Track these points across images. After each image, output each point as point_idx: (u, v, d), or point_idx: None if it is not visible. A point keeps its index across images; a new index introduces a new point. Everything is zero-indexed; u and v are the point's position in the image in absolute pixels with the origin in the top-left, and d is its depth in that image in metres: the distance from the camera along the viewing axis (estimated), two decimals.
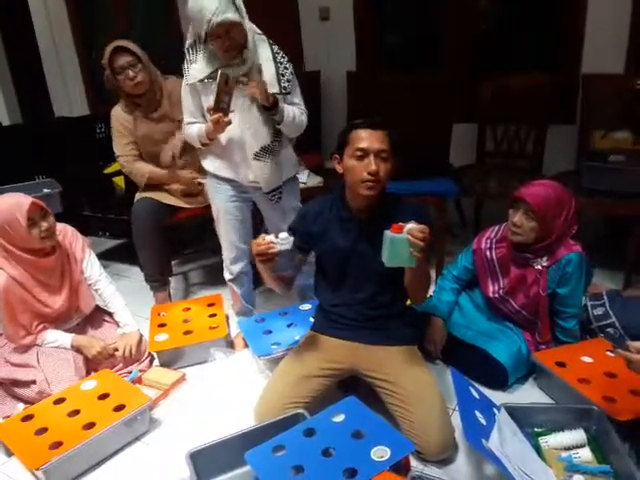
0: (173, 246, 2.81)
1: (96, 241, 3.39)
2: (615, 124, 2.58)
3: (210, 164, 2.02)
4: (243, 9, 1.76)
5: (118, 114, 2.45)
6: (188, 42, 1.86)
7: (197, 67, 1.85)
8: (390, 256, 1.41)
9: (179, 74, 1.97)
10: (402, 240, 1.37)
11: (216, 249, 2.25)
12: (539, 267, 1.82)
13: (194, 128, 1.93)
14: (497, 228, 1.99)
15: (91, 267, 2.11)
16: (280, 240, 1.44)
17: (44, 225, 1.88)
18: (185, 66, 1.88)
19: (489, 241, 1.97)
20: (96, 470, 1.63)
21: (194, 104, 1.93)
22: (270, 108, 1.82)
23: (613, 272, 2.47)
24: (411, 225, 1.38)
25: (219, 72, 1.72)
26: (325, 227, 1.71)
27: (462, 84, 3.02)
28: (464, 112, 3.04)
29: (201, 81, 1.85)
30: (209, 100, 1.84)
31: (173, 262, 3.05)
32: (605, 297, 1.96)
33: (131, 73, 2.28)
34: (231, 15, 1.69)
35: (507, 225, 1.88)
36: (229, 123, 1.80)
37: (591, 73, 2.92)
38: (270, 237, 1.45)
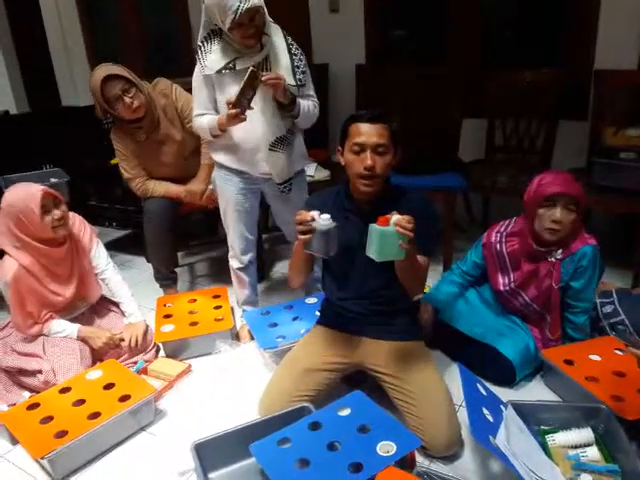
0: (179, 238, 2.80)
1: (102, 231, 3.38)
2: (627, 121, 2.55)
3: (221, 156, 2.01)
4: None
5: (120, 139, 2.37)
6: (202, 34, 1.84)
7: (213, 58, 1.83)
8: (380, 250, 1.36)
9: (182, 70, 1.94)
10: (391, 233, 1.34)
11: (223, 240, 2.24)
12: (553, 260, 1.80)
13: (204, 119, 1.90)
14: (507, 222, 1.96)
15: (99, 257, 2.11)
16: (321, 218, 1.42)
17: (57, 213, 1.89)
18: (200, 57, 1.85)
19: (499, 235, 1.95)
20: (101, 460, 1.63)
21: (207, 95, 1.90)
22: (287, 105, 1.82)
23: (622, 271, 2.45)
24: (397, 216, 1.36)
25: (249, 69, 1.69)
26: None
27: (472, 79, 2.99)
28: (474, 107, 3.02)
29: (218, 72, 1.83)
30: (224, 92, 1.83)
31: (179, 254, 3.05)
32: (615, 295, 1.95)
33: (127, 100, 2.16)
34: (256, 1, 1.68)
35: (520, 220, 1.86)
36: (244, 120, 1.77)
37: (603, 69, 2.88)
38: (314, 213, 1.43)
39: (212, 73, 1.83)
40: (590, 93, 2.98)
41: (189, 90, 2.10)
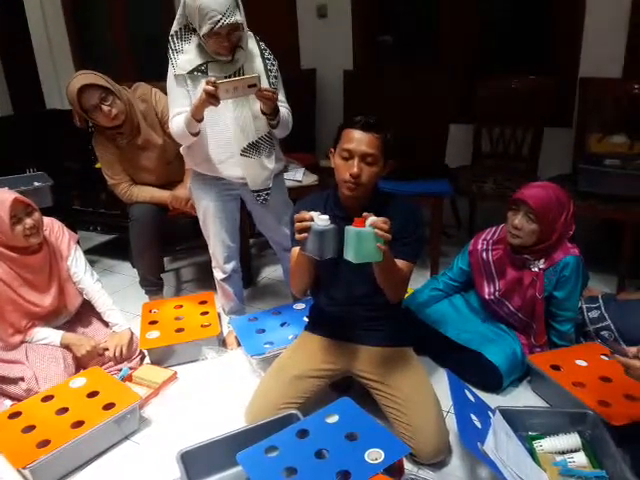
0: (165, 243, 2.78)
1: (87, 236, 3.36)
2: (612, 128, 2.58)
3: (197, 165, 1.97)
4: (242, 10, 1.74)
5: (101, 145, 2.33)
6: (174, 28, 1.81)
7: (185, 58, 1.80)
8: (357, 252, 1.35)
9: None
10: (369, 234, 1.33)
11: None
12: (536, 269, 1.82)
13: (181, 118, 1.83)
14: (494, 229, 1.98)
15: (76, 264, 2.06)
16: (319, 219, 1.40)
17: (28, 222, 1.83)
18: (171, 55, 1.82)
19: (485, 242, 1.97)
20: (84, 469, 1.60)
21: (182, 94, 1.85)
22: (269, 114, 1.81)
23: (607, 276, 2.48)
24: (373, 217, 1.35)
25: (256, 74, 1.66)
26: None
27: (459, 85, 3.01)
28: (461, 113, 3.03)
29: (190, 73, 1.80)
30: (197, 93, 1.77)
31: (165, 259, 3.02)
32: (600, 300, 1.97)
33: (105, 108, 2.13)
34: (239, 17, 1.68)
35: (505, 227, 1.87)
36: (217, 104, 1.69)
37: (589, 77, 2.92)
38: (314, 214, 1.41)
39: (184, 73, 1.81)
40: (575, 101, 3.01)
41: None
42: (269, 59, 1.88)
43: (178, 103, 1.87)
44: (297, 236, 1.42)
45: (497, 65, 3.46)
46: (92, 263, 2.41)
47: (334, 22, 3.71)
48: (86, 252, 2.35)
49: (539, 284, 1.80)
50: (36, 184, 2.72)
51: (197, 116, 1.75)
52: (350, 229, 1.35)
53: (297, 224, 1.41)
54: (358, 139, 1.49)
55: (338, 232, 1.41)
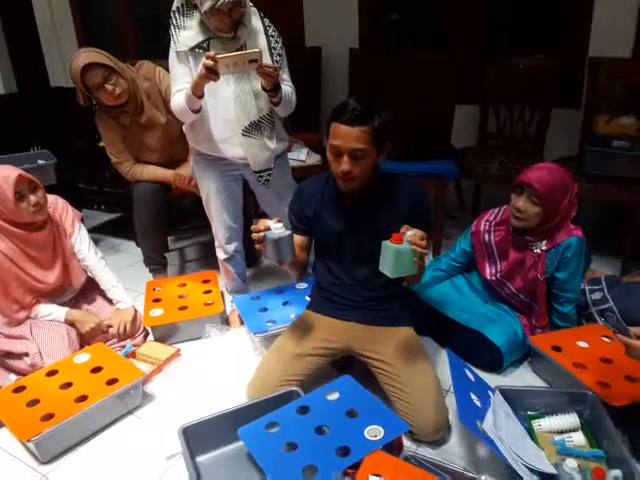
0: (169, 222, 2.79)
1: (91, 214, 3.37)
2: (620, 109, 2.55)
3: (199, 144, 1.97)
4: None
5: (105, 123, 2.33)
6: (176, 4, 1.79)
7: (187, 34, 1.78)
8: (395, 268, 1.35)
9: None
10: (406, 250, 1.33)
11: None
12: (538, 251, 1.81)
13: (182, 95, 1.81)
14: (497, 210, 1.97)
15: (80, 242, 2.06)
16: (274, 227, 1.41)
17: (33, 199, 1.83)
18: (173, 32, 1.80)
19: (488, 224, 1.96)
20: (88, 443, 1.62)
21: (184, 71, 1.83)
22: (270, 90, 1.79)
23: (611, 259, 2.47)
24: (410, 232, 1.34)
25: (257, 50, 1.63)
26: (318, 209, 1.69)
27: (466, 65, 2.97)
28: (467, 93, 3.00)
29: (191, 50, 1.78)
30: (197, 70, 1.74)
31: (169, 238, 3.03)
32: (603, 282, 1.96)
33: (109, 87, 2.12)
34: None
35: (509, 209, 1.85)
36: (217, 79, 1.67)
37: (598, 56, 2.87)
38: (270, 222, 1.42)
39: (185, 50, 1.79)
40: (584, 81, 2.97)
41: None
42: (273, 36, 1.85)
43: (179, 80, 1.85)
44: (256, 245, 1.43)
45: (505, 45, 3.41)
46: (96, 241, 2.43)
47: None
48: (90, 230, 2.36)
49: (541, 265, 1.79)
50: (40, 162, 2.73)
51: (197, 92, 1.73)
52: (388, 246, 1.35)
53: (253, 235, 1.42)
54: (345, 135, 1.45)
55: (292, 237, 1.43)
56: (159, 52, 2.55)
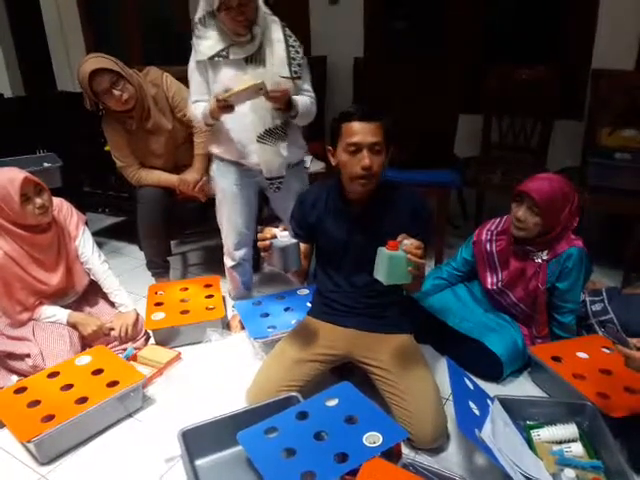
0: (173, 227, 2.80)
1: (95, 218, 3.38)
2: (623, 121, 2.56)
3: (216, 148, 2.00)
4: None
5: (111, 128, 2.35)
6: (197, 16, 1.82)
7: (207, 44, 1.81)
8: (388, 275, 1.35)
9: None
10: (400, 257, 1.33)
11: (216, 229, 2.23)
12: (539, 261, 1.81)
13: (199, 109, 1.88)
14: (498, 220, 1.98)
15: (84, 245, 2.07)
16: (280, 235, 1.42)
17: (38, 201, 1.85)
18: (194, 42, 1.84)
19: (489, 233, 1.96)
20: (87, 445, 1.63)
21: (201, 81, 1.88)
22: (284, 109, 1.81)
23: (612, 271, 2.47)
24: (407, 241, 1.35)
25: (262, 81, 1.67)
26: (320, 217, 1.71)
27: (470, 74, 2.99)
28: (470, 103, 3.01)
29: (210, 59, 1.82)
30: (217, 79, 1.82)
31: (172, 242, 3.04)
32: (604, 293, 1.96)
33: (117, 93, 2.15)
34: None
35: (509, 218, 1.86)
36: (232, 111, 1.77)
37: (601, 68, 2.89)
38: (276, 230, 1.43)
39: (205, 59, 1.82)
40: (587, 93, 2.98)
41: (182, 78, 2.09)
42: (293, 46, 1.86)
43: (196, 91, 1.91)
44: (262, 253, 1.45)
45: (508, 55, 3.43)
46: (100, 244, 2.44)
47: (346, 9, 3.68)
48: (94, 233, 2.37)
49: (542, 275, 1.80)
50: (46, 165, 2.74)
51: (214, 119, 1.83)
52: (383, 252, 1.35)
53: (259, 243, 1.43)
54: (362, 130, 1.47)
55: (299, 245, 1.44)
56: (167, 59, 2.59)
